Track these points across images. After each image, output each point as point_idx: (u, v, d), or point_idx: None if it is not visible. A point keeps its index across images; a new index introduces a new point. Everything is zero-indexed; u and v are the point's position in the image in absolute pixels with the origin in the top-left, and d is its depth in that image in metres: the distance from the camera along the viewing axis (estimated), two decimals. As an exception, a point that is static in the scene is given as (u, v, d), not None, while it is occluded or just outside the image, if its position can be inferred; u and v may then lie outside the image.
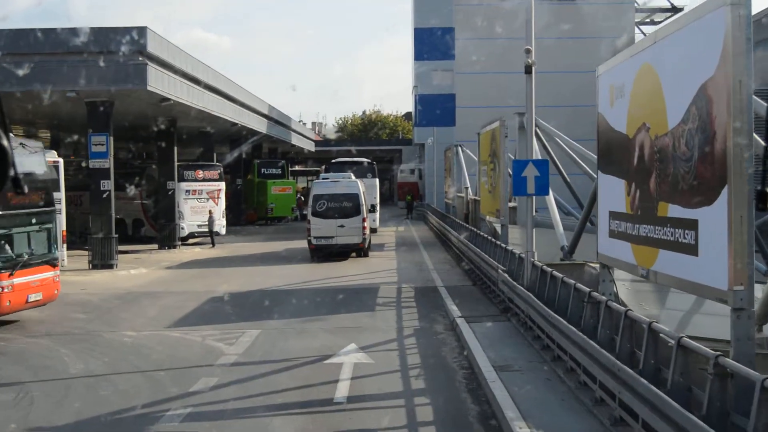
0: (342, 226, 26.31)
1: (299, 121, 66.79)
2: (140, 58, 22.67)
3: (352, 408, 9.82)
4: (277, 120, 46.34)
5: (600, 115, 12.43)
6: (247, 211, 46.15)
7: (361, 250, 27.15)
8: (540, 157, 17.87)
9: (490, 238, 20.52)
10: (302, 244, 29.26)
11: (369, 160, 40.90)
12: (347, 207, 26.60)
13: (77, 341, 14.03)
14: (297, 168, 70.94)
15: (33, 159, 16.06)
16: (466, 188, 33.57)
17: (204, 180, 33.16)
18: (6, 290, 14.54)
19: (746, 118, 7.50)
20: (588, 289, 10.57)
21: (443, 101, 51.08)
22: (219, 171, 34.34)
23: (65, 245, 22.33)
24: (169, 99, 25.00)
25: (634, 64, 10.68)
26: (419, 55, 54.62)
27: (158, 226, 31.97)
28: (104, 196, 24.84)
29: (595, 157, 15.46)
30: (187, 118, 30.13)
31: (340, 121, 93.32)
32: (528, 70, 14.41)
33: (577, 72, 40.55)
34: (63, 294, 16.79)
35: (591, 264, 15.00)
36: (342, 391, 10.42)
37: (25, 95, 22.61)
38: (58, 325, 15.37)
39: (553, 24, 38.27)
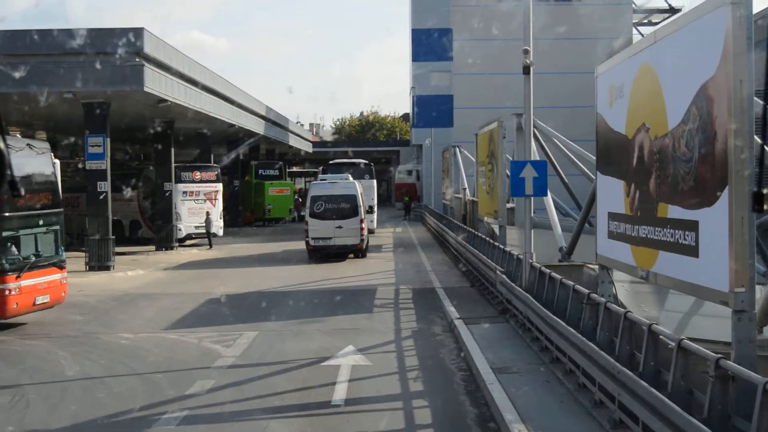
0: (340, 227, 26.36)
1: (297, 123, 66.75)
2: (137, 60, 22.61)
3: (350, 411, 9.76)
4: (275, 121, 46.29)
5: (599, 115, 12.39)
6: (244, 213, 46.09)
7: (359, 251, 27.21)
8: (538, 158, 17.83)
9: (488, 239, 20.48)
10: (300, 245, 29.20)
11: (366, 162, 40.86)
12: (345, 208, 26.64)
13: (74, 343, 13.95)
14: (294, 169, 70.85)
15: (40, 160, 15.95)
16: (464, 189, 33.54)
17: (201, 181, 33.09)
18: (13, 292, 14.41)
19: (747, 119, 7.45)
20: (587, 291, 10.52)
21: (441, 102, 51.10)
22: (216, 172, 34.27)
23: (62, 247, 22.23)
24: (166, 100, 24.94)
25: (633, 65, 10.63)
26: (417, 57, 54.61)
27: (155, 228, 31.89)
28: (101, 197, 24.76)
29: (593, 157, 15.43)
30: (185, 120, 30.07)
31: (338, 123, 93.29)
32: (526, 70, 14.38)
33: (574, 73, 40.65)
34: (60, 296, 16.72)
35: (590, 265, 14.96)
36: (340, 393, 10.36)
37: (22, 97, 22.55)
38: (54, 327, 15.28)
39: (551, 25, 38.30)
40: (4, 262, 14.31)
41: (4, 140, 3.44)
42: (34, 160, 15.71)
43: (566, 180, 21.85)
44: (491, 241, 19.81)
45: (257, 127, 40.72)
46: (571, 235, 16.70)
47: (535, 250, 14.60)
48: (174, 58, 25.34)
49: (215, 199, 33.25)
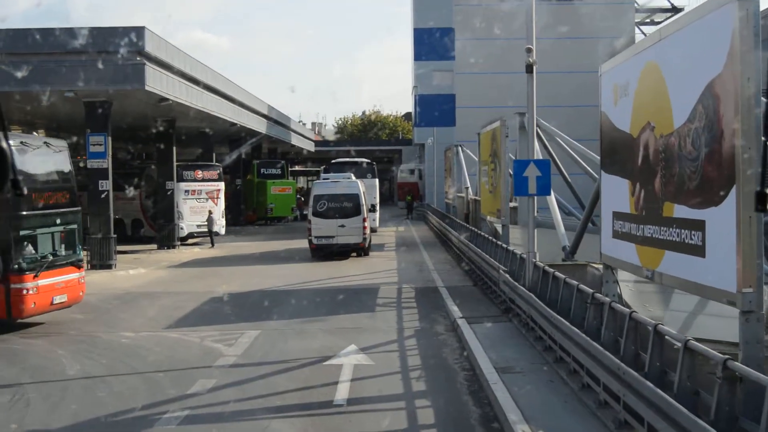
0: (342, 225, 26.49)
1: (299, 122, 66.71)
2: (138, 58, 22.56)
3: (352, 410, 9.70)
4: (277, 120, 46.25)
5: (603, 114, 12.31)
6: (246, 212, 46.05)
7: (361, 250, 27.31)
8: (541, 157, 17.75)
9: (490, 238, 20.41)
10: (302, 244, 29.18)
11: (369, 161, 40.84)
12: (348, 207, 26.79)
13: (75, 342, 13.90)
14: (297, 168, 70.85)
15: (57, 158, 15.85)
16: (467, 188, 33.47)
17: (203, 180, 33.06)
18: (31, 292, 14.27)
19: (755, 117, 7.37)
20: (591, 290, 10.45)
21: (443, 101, 51.04)
22: (218, 171, 34.23)
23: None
24: (167, 99, 24.89)
25: (638, 63, 10.55)
26: (419, 56, 54.59)
27: (157, 227, 31.86)
28: (103, 196, 24.72)
29: (597, 156, 15.35)
30: (187, 119, 30.02)
31: (340, 122, 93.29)
32: (529, 69, 14.29)
33: (577, 72, 40.55)
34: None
35: (593, 264, 14.88)
36: (342, 392, 10.29)
37: (24, 96, 22.50)
38: (55, 326, 15.22)
39: (553, 25, 38.20)
40: (21, 261, 14.19)
41: (6, 139, 3.44)
42: (52, 159, 15.63)
43: (569, 179, 21.78)
44: (494, 240, 19.74)
45: (259, 126, 40.67)
46: (575, 234, 16.62)
47: (538, 250, 14.51)
48: (175, 57, 25.29)
49: (217, 198, 33.20)
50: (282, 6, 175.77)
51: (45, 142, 15.65)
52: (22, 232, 14.38)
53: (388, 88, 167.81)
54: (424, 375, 11.36)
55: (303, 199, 48.89)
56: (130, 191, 32.23)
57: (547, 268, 13.15)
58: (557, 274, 12.31)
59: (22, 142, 14.85)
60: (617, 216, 11.57)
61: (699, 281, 8.49)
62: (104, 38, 22.55)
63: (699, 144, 8.37)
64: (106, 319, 16.35)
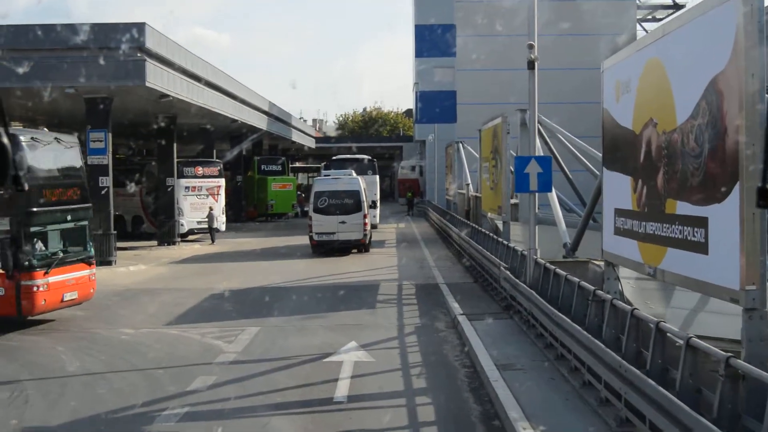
0: (343, 222, 26.60)
1: (300, 118, 66.63)
2: (139, 55, 22.51)
3: (353, 407, 9.67)
4: (278, 117, 46.19)
5: (605, 110, 12.25)
6: (247, 208, 46.01)
7: (362, 246, 27.39)
8: (542, 154, 17.68)
9: (491, 235, 20.35)
10: (302, 240, 29.16)
11: (369, 157, 40.83)
12: (348, 203, 26.88)
13: (74, 339, 13.87)
14: (297, 165, 70.75)
15: (69, 154, 15.76)
16: (467, 185, 33.42)
17: (204, 177, 33.01)
18: (41, 289, 14.18)
19: (759, 113, 7.31)
20: (593, 287, 10.40)
21: (444, 98, 50.94)
22: (219, 167, 34.18)
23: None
24: (168, 95, 24.84)
25: (640, 59, 10.48)
26: (420, 52, 54.46)
27: (158, 223, 31.82)
28: (103, 192, 24.66)
29: (598, 153, 15.30)
30: (187, 115, 29.98)
31: (341, 118, 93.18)
32: (531, 65, 14.25)
33: (578, 69, 40.49)
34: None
35: (595, 261, 14.83)
36: (342, 390, 10.26)
37: (24, 92, 22.46)
38: (55, 322, 15.18)
39: (554, 21, 38.10)
40: (32, 258, 14.09)
41: (8, 135, 3.46)
42: (63, 155, 15.53)
43: (570, 176, 21.72)
44: (495, 237, 19.69)
45: (260, 122, 40.62)
46: (576, 231, 16.57)
47: (539, 247, 14.46)
48: (176, 54, 25.23)
49: (218, 194, 33.16)
50: (282, 3, 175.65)
51: (56, 138, 15.51)
52: (32, 229, 14.26)
53: (389, 84, 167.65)
54: (425, 372, 11.32)
55: (304, 195, 48.84)
56: (131, 187, 32.18)
57: (548, 265, 13.10)
58: (558, 271, 12.27)
59: (32, 138, 14.76)
60: (619, 213, 11.52)
61: (702, 278, 8.44)
62: (105, 34, 22.49)
63: (702, 140, 8.31)
64: (106, 315, 16.31)
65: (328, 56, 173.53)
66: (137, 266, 24.44)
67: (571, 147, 20.02)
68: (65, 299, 14.90)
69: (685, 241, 8.80)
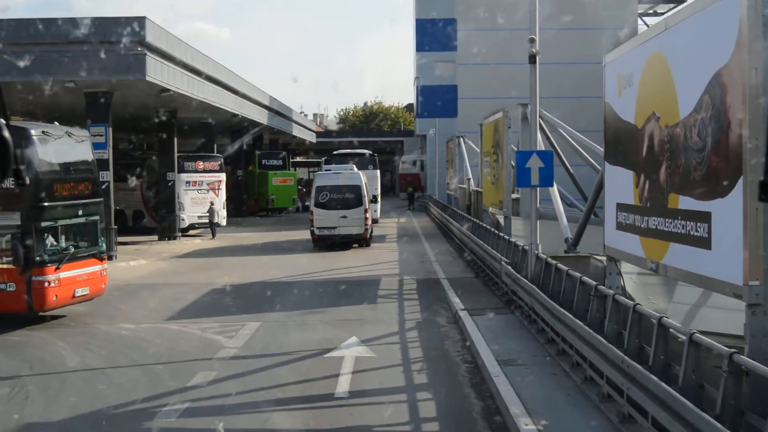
0: (344, 216, 26.66)
1: (300, 113, 66.52)
2: (139, 49, 22.42)
3: (353, 403, 9.65)
4: (278, 111, 46.09)
5: (607, 104, 12.18)
6: (248, 203, 45.97)
7: (363, 240, 27.46)
8: (543, 148, 17.63)
9: (492, 229, 20.31)
10: (303, 235, 29.14)
11: (370, 152, 40.77)
12: (350, 198, 26.97)
13: (74, 334, 13.85)
14: (298, 159, 70.64)
15: (80, 148, 15.62)
16: (468, 179, 33.37)
17: (204, 171, 32.95)
18: (52, 284, 14.02)
19: (761, 107, 7.25)
20: (594, 283, 10.36)
21: (445, 92, 50.80)
22: (219, 162, 34.12)
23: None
24: (168, 90, 24.76)
25: (642, 53, 10.41)
26: (421, 47, 54.28)
27: (158, 218, 31.78)
28: (103, 187, 24.55)
29: (599, 148, 15.23)
30: (188, 109, 29.90)
31: (342, 113, 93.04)
32: (532, 59, 14.19)
33: (579, 63, 40.39)
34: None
35: (596, 256, 14.79)
36: (343, 385, 10.24)
37: (25, 86, 22.39)
38: (55, 318, 15.14)
39: (555, 15, 38.01)
40: (43, 253, 13.94)
41: (9, 129, 3.44)
42: (74, 149, 15.38)
43: (571, 170, 21.67)
44: (496, 231, 19.65)
45: (260, 117, 40.54)
46: (577, 226, 16.53)
47: (541, 241, 14.43)
48: (176, 48, 25.15)
49: (218, 189, 33.12)
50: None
51: (67, 132, 15.35)
52: (43, 224, 14.10)
53: (390, 79, 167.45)
54: (426, 367, 11.29)
55: (305, 190, 48.78)
56: (132, 182, 32.13)
57: (549, 259, 13.06)
58: (560, 266, 12.22)
59: (43, 132, 14.60)
60: (621, 207, 11.46)
61: (704, 274, 8.39)
62: (105, 28, 22.40)
63: (705, 134, 8.25)
64: (107, 310, 16.26)
65: (328, 51, 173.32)
66: (138, 261, 24.42)
67: (572, 141, 19.96)
68: (76, 295, 14.74)
69: (687, 236, 8.74)
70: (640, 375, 7.41)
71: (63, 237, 14.68)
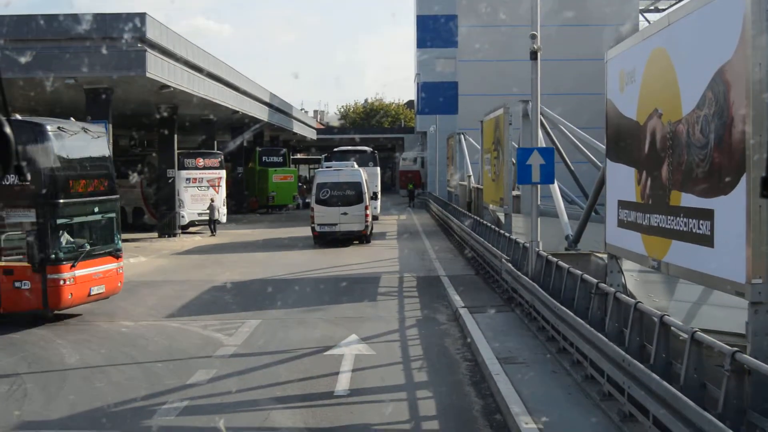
0: (345, 213, 26.76)
1: (301, 110, 66.42)
2: (139, 45, 22.36)
3: (353, 401, 9.59)
4: (279, 108, 46.04)
5: (609, 101, 12.11)
6: (248, 199, 45.94)
7: (363, 237, 27.54)
8: (544, 145, 17.56)
9: (493, 227, 20.26)
10: (303, 232, 29.13)
11: (371, 149, 40.77)
12: (350, 195, 27.04)
13: (73, 331, 13.79)
14: (299, 156, 70.60)
15: (96, 144, 15.47)
16: (469, 176, 33.31)
17: (204, 168, 32.92)
18: (68, 282, 13.86)
19: (766, 103, 7.19)
20: (595, 280, 10.30)
21: (446, 89, 50.75)
22: (219, 159, 34.08)
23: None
24: (169, 86, 24.70)
25: (645, 49, 10.35)
26: (422, 43, 54.21)
27: (158, 215, 31.74)
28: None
29: (601, 145, 15.17)
30: (189, 106, 29.85)
31: (342, 110, 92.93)
32: (533, 55, 14.10)
33: (580, 60, 40.31)
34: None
35: (598, 254, 14.74)
36: (343, 383, 10.19)
37: (26, 82, 22.33)
38: (54, 315, 15.08)
39: (557, 11, 37.91)
40: (58, 250, 13.79)
41: (10, 125, 3.42)
42: (90, 145, 15.22)
43: (572, 167, 21.60)
44: (496, 228, 19.59)
45: (261, 113, 40.49)
46: (578, 223, 16.46)
47: (541, 239, 14.37)
48: (177, 44, 25.08)
49: (218, 185, 33.08)
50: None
51: (83, 128, 15.21)
52: (59, 221, 13.94)
53: (391, 75, 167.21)
54: (426, 365, 11.24)
55: (305, 186, 48.74)
56: (132, 179, 32.08)
57: (550, 257, 13.00)
58: (561, 263, 12.16)
59: (59, 128, 14.43)
60: (623, 205, 11.40)
61: (707, 272, 8.33)
62: (106, 24, 22.35)
63: (708, 131, 8.19)
64: (106, 308, 16.17)
65: (329, 47, 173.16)
66: (138, 258, 24.37)
67: (573, 138, 19.90)
68: (92, 293, 14.58)
69: (690, 233, 8.68)
70: (642, 373, 7.35)
71: (79, 234, 14.53)
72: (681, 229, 8.94)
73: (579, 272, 11.03)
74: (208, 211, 31.94)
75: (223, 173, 33.80)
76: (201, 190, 32.47)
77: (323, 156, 41.13)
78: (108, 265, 15.05)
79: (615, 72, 11.76)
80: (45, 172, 13.74)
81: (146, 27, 22.24)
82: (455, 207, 32.24)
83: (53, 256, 13.72)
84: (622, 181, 11.38)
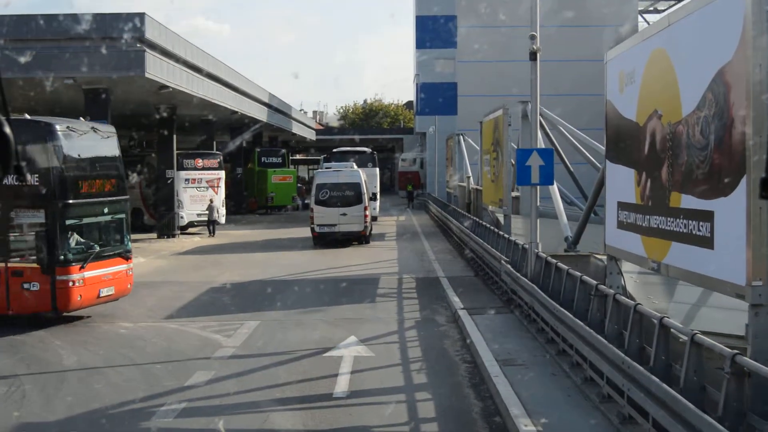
0: (344, 214, 26.85)
1: (300, 110, 66.40)
2: (138, 45, 22.33)
3: (352, 403, 9.57)
4: (278, 108, 46.01)
5: (608, 101, 12.09)
6: (249, 199, 45.92)
7: (362, 238, 27.62)
8: (543, 146, 17.54)
9: (492, 228, 20.23)
10: (302, 233, 29.11)
11: (370, 150, 40.76)
12: (349, 196, 27.11)
13: (72, 332, 13.75)
14: (298, 157, 70.56)
15: (106, 144, 15.36)
16: (468, 177, 33.29)
17: (203, 169, 32.87)
18: (77, 284, 13.71)
19: (766, 104, 7.16)
20: (595, 282, 10.27)
21: (445, 90, 50.68)
22: (218, 159, 34.04)
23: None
24: (168, 87, 24.67)
25: (645, 50, 10.32)
26: (421, 44, 54.14)
27: (157, 215, 31.70)
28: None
29: (600, 146, 15.14)
30: (188, 107, 29.83)
31: (341, 110, 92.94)
32: (533, 56, 14.10)
33: (579, 61, 40.29)
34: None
35: (597, 255, 14.71)
36: (342, 385, 10.16)
37: (25, 82, 22.29)
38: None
39: (556, 11, 37.87)
40: (67, 252, 13.68)
41: (10, 125, 3.41)
42: (100, 145, 15.11)
43: (571, 168, 21.58)
44: (496, 230, 19.57)
45: (260, 114, 40.46)
46: (577, 224, 16.43)
47: (540, 240, 14.35)
48: (176, 44, 25.06)
49: (217, 186, 33.04)
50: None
51: (93, 128, 15.10)
52: (68, 222, 13.82)
53: (390, 76, 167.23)
54: (425, 367, 11.22)
55: (304, 187, 48.69)
56: (131, 179, 32.00)
57: (549, 258, 12.98)
58: (560, 265, 12.14)
59: (68, 127, 14.32)
60: (622, 206, 11.37)
61: (707, 273, 8.30)
62: (105, 24, 22.32)
63: (708, 132, 8.16)
64: (104, 309, 16.14)
65: (328, 48, 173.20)
66: (136, 259, 24.08)
67: (572, 139, 19.88)
68: (102, 295, 14.44)
69: (690, 235, 8.66)
70: (641, 376, 7.33)
71: (88, 235, 14.42)
72: (681, 230, 8.91)
73: (578, 274, 11.01)
74: (207, 212, 31.90)
75: (222, 174, 33.75)
76: (200, 191, 32.43)
77: (322, 157, 41.11)
78: (117, 267, 14.92)
79: (614, 73, 11.74)
80: (54, 173, 13.66)
81: (145, 27, 22.21)
82: (454, 208, 32.22)
83: (62, 257, 13.61)
84: (622, 183, 11.35)
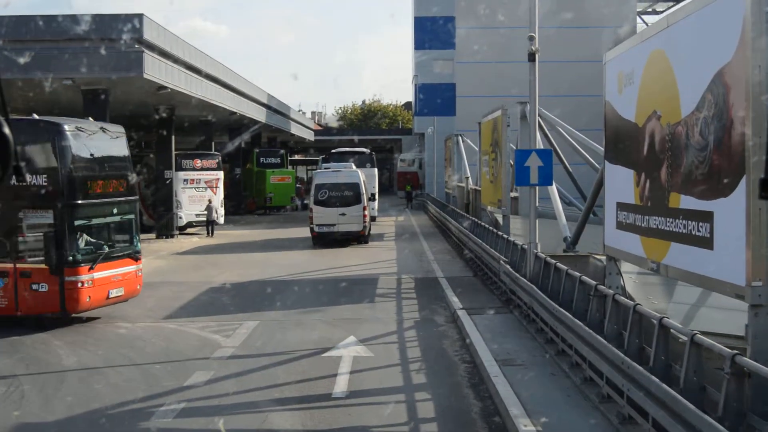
0: (343, 214, 26.93)
1: (299, 111, 66.41)
2: (137, 46, 22.33)
3: (351, 403, 9.57)
4: (276, 109, 46.02)
5: (607, 103, 12.10)
6: (246, 200, 45.92)
7: (361, 238, 27.69)
8: (542, 147, 17.55)
9: (491, 228, 20.25)
10: (301, 233, 29.12)
11: (368, 150, 40.78)
12: (348, 196, 27.19)
13: (71, 333, 13.75)
14: (297, 157, 70.54)
15: (115, 144, 15.30)
16: (467, 178, 33.31)
17: (202, 169, 32.88)
18: (86, 285, 13.64)
19: (765, 105, 7.17)
20: (594, 282, 10.29)
21: (443, 90, 50.75)
22: (217, 160, 34.04)
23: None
24: (166, 87, 24.67)
25: (644, 51, 10.33)
26: (420, 44, 54.21)
27: (156, 216, 31.69)
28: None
29: (599, 146, 15.16)
30: (186, 107, 29.83)
31: (340, 111, 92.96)
32: (531, 57, 14.12)
33: (578, 62, 40.34)
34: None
35: (596, 256, 14.73)
36: (341, 385, 10.16)
37: (24, 82, 22.29)
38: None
39: (555, 12, 37.92)
40: (76, 253, 13.60)
41: (9, 125, 3.42)
42: (108, 145, 15.04)
43: (570, 169, 21.60)
44: (495, 230, 19.58)
45: (259, 115, 40.47)
46: (576, 225, 16.45)
47: (539, 240, 14.37)
48: (174, 45, 25.06)
49: (216, 187, 33.05)
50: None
51: (101, 128, 15.05)
52: (77, 222, 13.74)
53: (389, 77, 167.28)
54: (424, 367, 11.22)
55: (303, 188, 48.67)
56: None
57: (548, 259, 12.99)
58: (559, 265, 12.15)
59: (77, 127, 14.25)
60: (621, 207, 11.38)
61: (706, 274, 8.31)
62: (104, 25, 22.32)
63: (707, 133, 8.17)
64: (104, 309, 16.13)
65: (327, 49, 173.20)
66: (135, 259, 24.27)
67: (571, 140, 19.90)
68: (111, 296, 14.37)
69: (689, 235, 8.67)
70: (641, 376, 7.34)
71: (97, 236, 14.36)
72: (680, 231, 8.92)
73: (578, 274, 11.02)
74: (205, 212, 31.90)
75: (220, 174, 33.76)
76: (199, 191, 32.43)
77: (321, 157, 41.13)
78: (127, 268, 14.84)
79: (613, 74, 11.75)
80: (63, 173, 13.61)
81: (144, 28, 22.22)
82: (453, 208, 32.24)
83: (71, 258, 13.53)
84: (621, 183, 11.36)
